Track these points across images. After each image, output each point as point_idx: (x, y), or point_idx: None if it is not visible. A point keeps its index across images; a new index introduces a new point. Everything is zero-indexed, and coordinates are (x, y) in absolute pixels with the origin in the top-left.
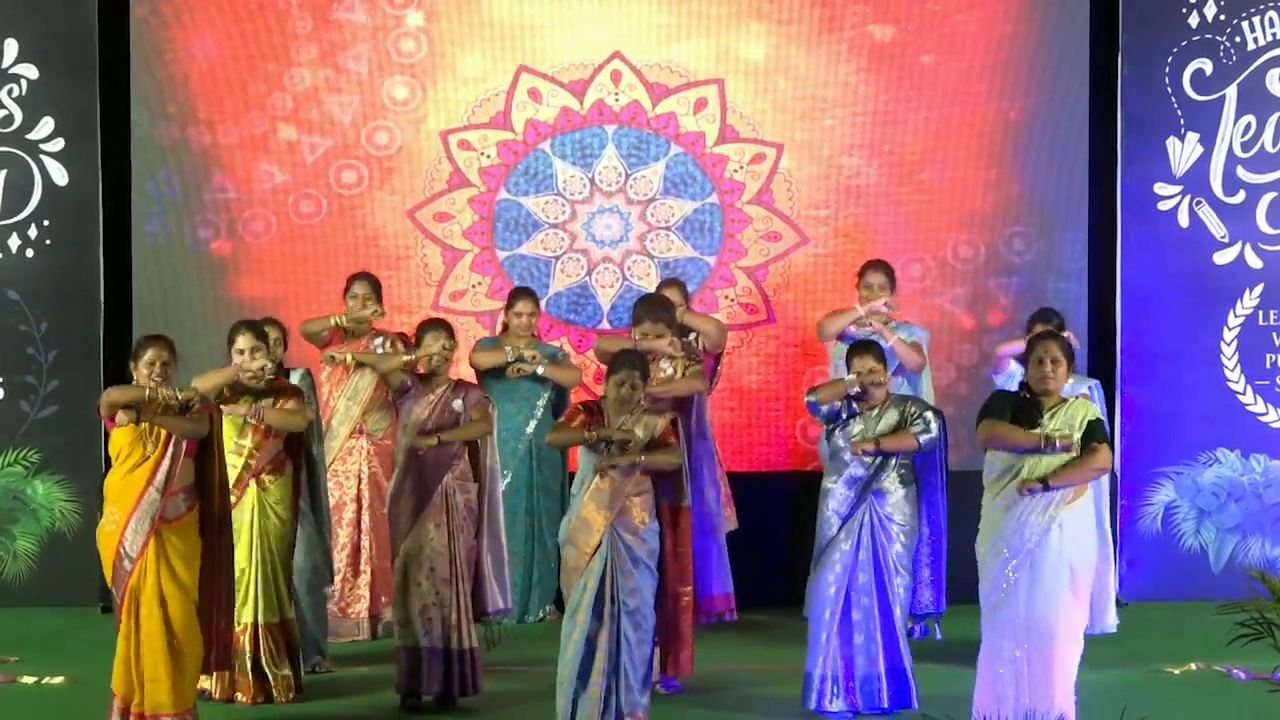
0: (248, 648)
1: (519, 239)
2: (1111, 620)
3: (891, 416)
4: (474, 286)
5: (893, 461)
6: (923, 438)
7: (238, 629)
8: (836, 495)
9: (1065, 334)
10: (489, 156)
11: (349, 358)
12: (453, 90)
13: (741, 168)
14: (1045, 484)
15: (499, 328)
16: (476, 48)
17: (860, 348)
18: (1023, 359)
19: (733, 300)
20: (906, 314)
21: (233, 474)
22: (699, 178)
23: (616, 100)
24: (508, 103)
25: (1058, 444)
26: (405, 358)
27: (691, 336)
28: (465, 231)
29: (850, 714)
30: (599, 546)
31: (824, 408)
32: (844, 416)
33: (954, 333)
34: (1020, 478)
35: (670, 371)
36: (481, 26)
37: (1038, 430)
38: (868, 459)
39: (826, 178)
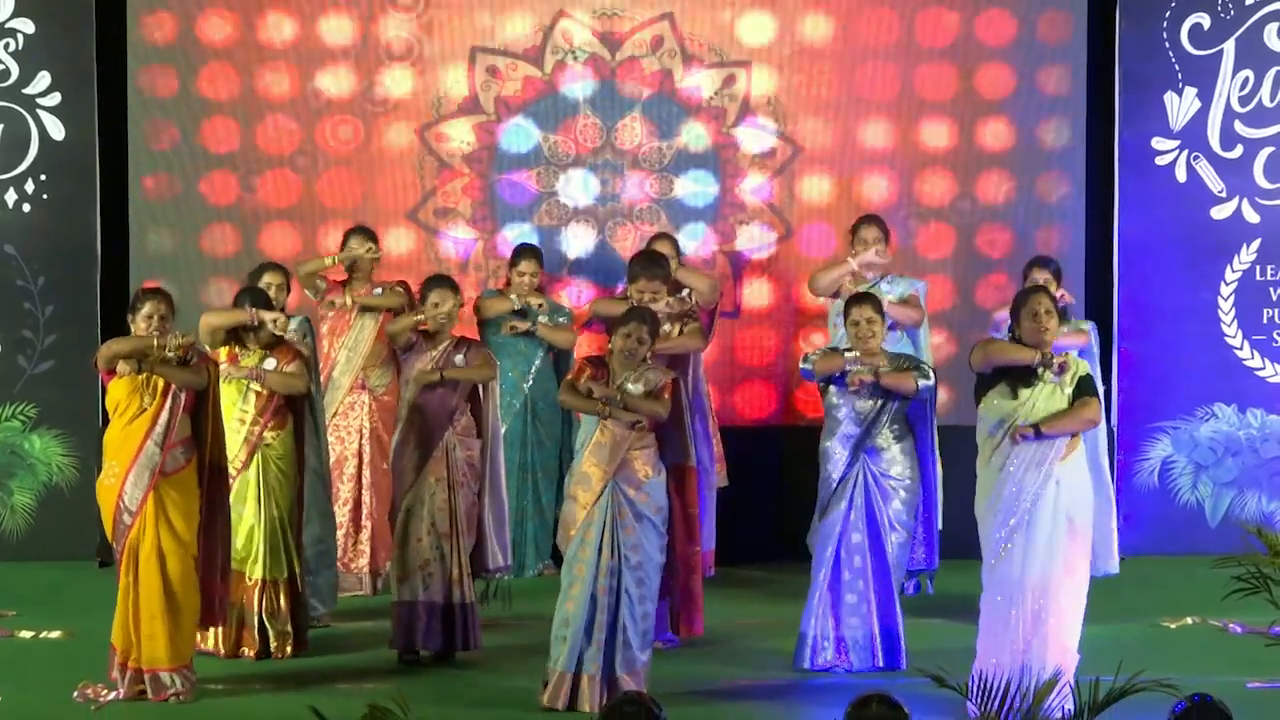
0: (255, 603)
1: (523, 216)
2: (1114, 563)
3: (883, 368)
4: (494, 272)
5: (885, 418)
6: (921, 382)
7: (248, 583)
8: (833, 457)
9: (1059, 292)
10: (468, 143)
11: (348, 301)
12: (416, 85)
13: (717, 93)
14: (1038, 430)
15: (502, 283)
16: (423, 39)
17: (859, 298)
18: (1012, 313)
19: (747, 221)
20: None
21: (237, 439)
22: (678, 113)
23: (575, 59)
24: (470, 86)
25: (1055, 364)
26: (416, 316)
27: (685, 292)
28: (468, 221)
29: (842, 673)
30: (599, 499)
31: (818, 376)
32: (837, 373)
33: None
34: (1014, 423)
35: (667, 328)
36: (421, 15)
37: (1034, 350)
38: (863, 407)
39: (821, 130)
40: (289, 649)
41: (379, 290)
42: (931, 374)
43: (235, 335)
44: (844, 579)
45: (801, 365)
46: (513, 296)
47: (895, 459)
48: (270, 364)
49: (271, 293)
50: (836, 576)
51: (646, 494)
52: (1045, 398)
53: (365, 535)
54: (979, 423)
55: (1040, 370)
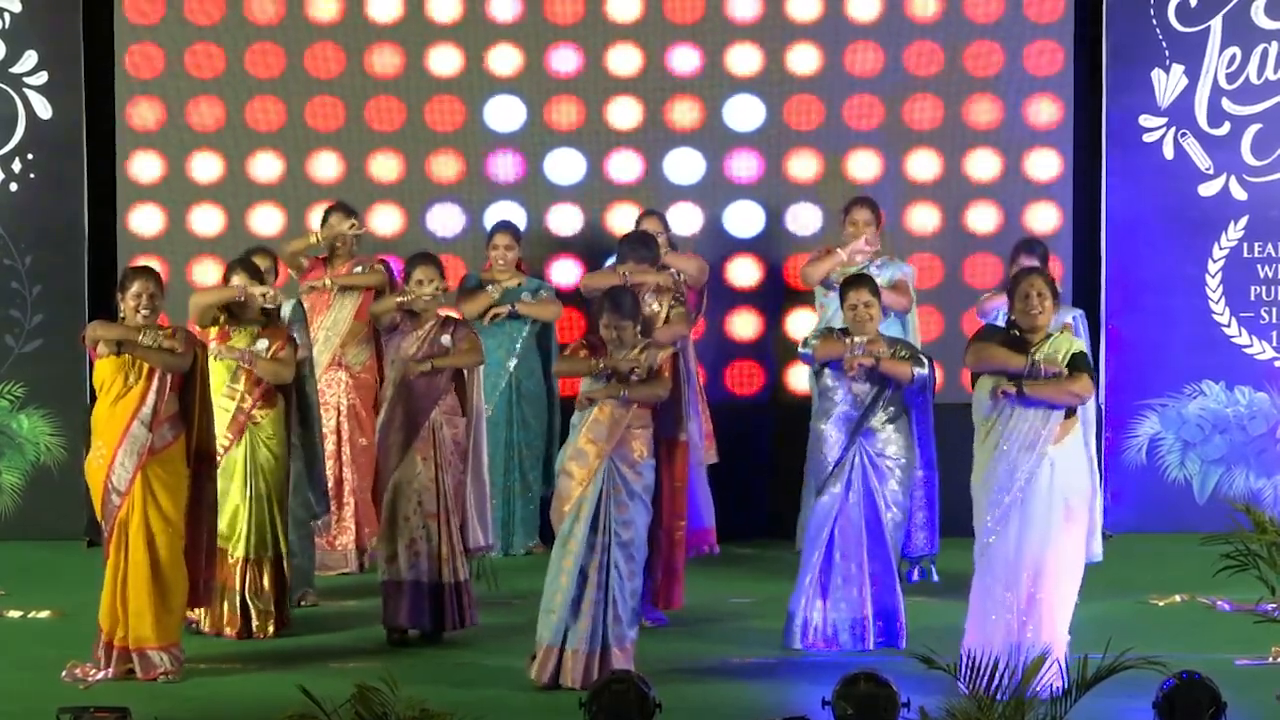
0: (236, 582)
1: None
2: (1097, 549)
3: (884, 354)
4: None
5: (881, 401)
6: (917, 370)
7: (230, 562)
8: (828, 439)
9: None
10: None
11: (327, 282)
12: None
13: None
14: (1020, 391)
15: (485, 266)
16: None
17: (855, 281)
18: (1008, 294)
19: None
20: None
21: (226, 417)
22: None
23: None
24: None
25: (1044, 370)
26: (399, 299)
27: (674, 271)
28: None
29: (833, 654)
30: (595, 476)
31: (819, 360)
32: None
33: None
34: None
35: (656, 308)
36: None
37: (1026, 356)
38: (860, 390)
39: (808, 107)
40: (271, 628)
41: (359, 269)
42: (927, 362)
43: (228, 311)
44: (835, 562)
45: (801, 349)
46: (489, 287)
47: (890, 439)
48: (263, 344)
49: (263, 280)
50: (828, 559)
51: (640, 473)
52: None
53: (348, 512)
54: (975, 404)
55: (1029, 370)
